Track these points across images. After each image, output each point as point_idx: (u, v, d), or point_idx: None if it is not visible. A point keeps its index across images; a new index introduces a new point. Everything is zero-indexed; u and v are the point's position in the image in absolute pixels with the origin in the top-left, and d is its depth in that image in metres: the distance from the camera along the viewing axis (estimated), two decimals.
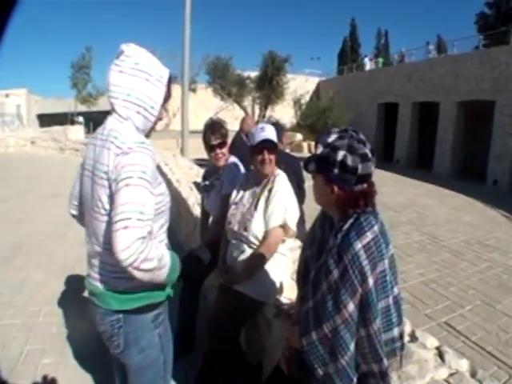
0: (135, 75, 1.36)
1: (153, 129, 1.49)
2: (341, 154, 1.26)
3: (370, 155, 1.28)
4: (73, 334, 3.20)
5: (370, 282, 1.23)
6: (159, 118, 1.48)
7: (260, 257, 2.19)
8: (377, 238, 1.27)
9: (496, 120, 15.61)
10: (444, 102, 18.33)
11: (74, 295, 3.79)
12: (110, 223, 1.30)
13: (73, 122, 24.87)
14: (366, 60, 31.57)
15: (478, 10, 30.74)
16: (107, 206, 1.34)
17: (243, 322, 2.34)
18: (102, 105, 27.01)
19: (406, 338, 2.01)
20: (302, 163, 3.99)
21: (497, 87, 15.42)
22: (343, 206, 1.32)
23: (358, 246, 1.23)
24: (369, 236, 1.25)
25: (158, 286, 1.43)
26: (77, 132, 19.25)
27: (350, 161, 1.25)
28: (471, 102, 16.94)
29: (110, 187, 1.31)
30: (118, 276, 1.38)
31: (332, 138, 1.30)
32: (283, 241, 2.31)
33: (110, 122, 1.42)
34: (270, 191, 2.25)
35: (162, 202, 1.44)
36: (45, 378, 2.65)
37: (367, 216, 1.30)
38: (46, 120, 29.08)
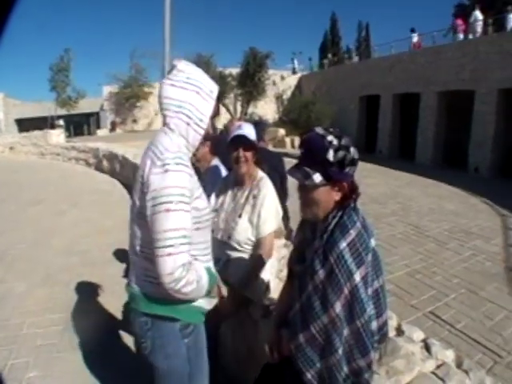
0: (186, 88, 1.43)
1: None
2: (332, 141, 1.30)
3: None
4: (59, 345, 3.13)
5: (357, 278, 1.24)
6: (206, 133, 1.52)
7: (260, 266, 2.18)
8: (360, 233, 1.29)
9: (476, 109, 15.82)
10: (425, 92, 18.49)
11: (58, 305, 3.73)
12: (144, 227, 1.37)
13: (53, 126, 24.42)
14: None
15: (456, 0, 30.97)
16: (141, 210, 1.38)
17: (223, 315, 2.31)
18: (82, 107, 26.50)
19: (393, 332, 2.03)
20: (283, 158, 3.97)
21: (476, 77, 15.61)
22: (346, 198, 1.35)
23: (343, 244, 1.25)
24: (352, 233, 1.27)
25: (183, 302, 1.45)
26: (57, 136, 18.82)
27: (344, 141, 1.30)
28: (451, 92, 17.14)
29: (142, 191, 1.37)
30: (147, 280, 1.45)
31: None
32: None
33: (159, 132, 1.48)
34: (255, 197, 2.20)
35: (198, 217, 1.44)
36: None
37: (350, 214, 1.32)
38: (25, 124, 28.46)
